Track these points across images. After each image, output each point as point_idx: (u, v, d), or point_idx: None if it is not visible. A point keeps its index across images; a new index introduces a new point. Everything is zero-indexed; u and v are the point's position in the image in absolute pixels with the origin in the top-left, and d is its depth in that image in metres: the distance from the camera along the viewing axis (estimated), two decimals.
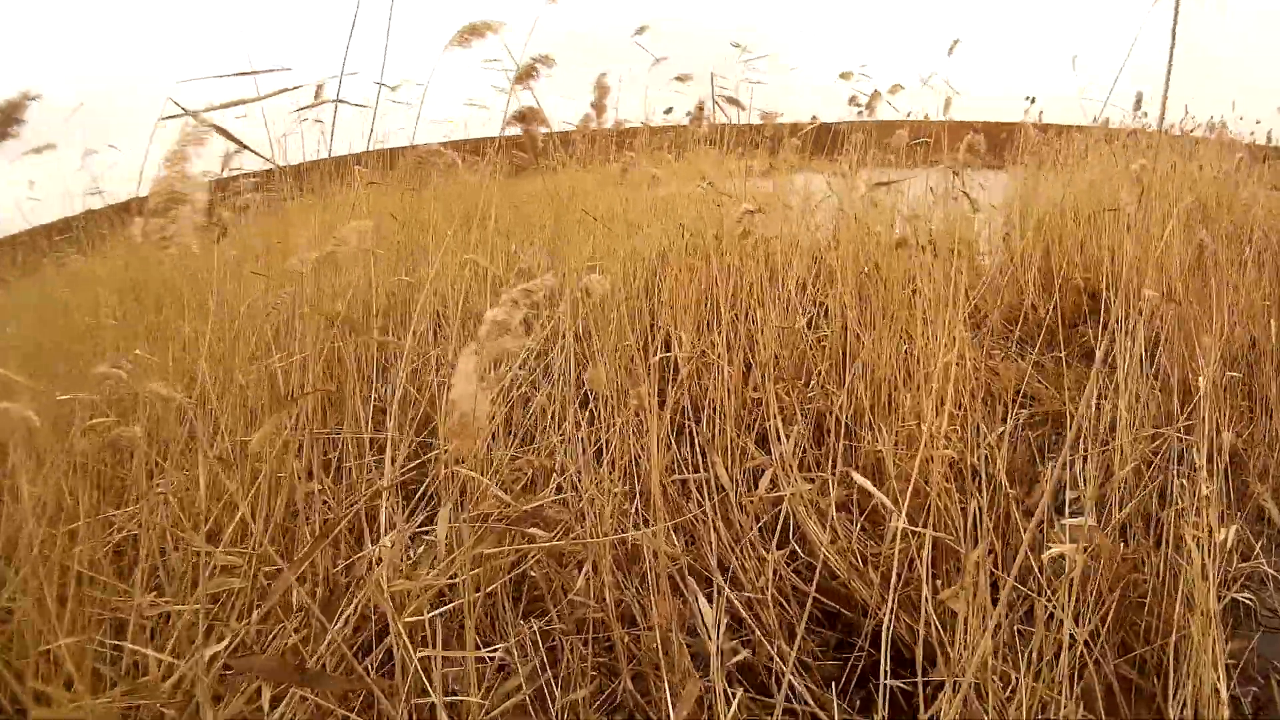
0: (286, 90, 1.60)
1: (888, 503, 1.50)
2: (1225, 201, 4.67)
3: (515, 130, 1.88)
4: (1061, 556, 1.73)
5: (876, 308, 2.50)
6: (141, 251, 2.94)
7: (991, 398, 2.52)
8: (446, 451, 1.41)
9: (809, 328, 2.69)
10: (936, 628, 1.49)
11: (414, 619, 1.47)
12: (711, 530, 1.65)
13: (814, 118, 4.13)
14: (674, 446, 2.01)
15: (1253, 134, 6.37)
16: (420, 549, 1.67)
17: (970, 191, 4.02)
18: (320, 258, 1.56)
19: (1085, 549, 1.53)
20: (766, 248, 2.92)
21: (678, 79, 2.59)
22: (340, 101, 2.24)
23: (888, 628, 1.44)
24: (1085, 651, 1.50)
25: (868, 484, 1.47)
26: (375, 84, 2.38)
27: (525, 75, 1.84)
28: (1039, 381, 2.99)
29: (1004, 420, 2.30)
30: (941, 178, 4.08)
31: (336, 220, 3.41)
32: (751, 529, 1.76)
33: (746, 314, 2.45)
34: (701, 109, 3.41)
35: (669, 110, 3.81)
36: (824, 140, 4.25)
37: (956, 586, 1.51)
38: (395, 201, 3.67)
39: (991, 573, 1.57)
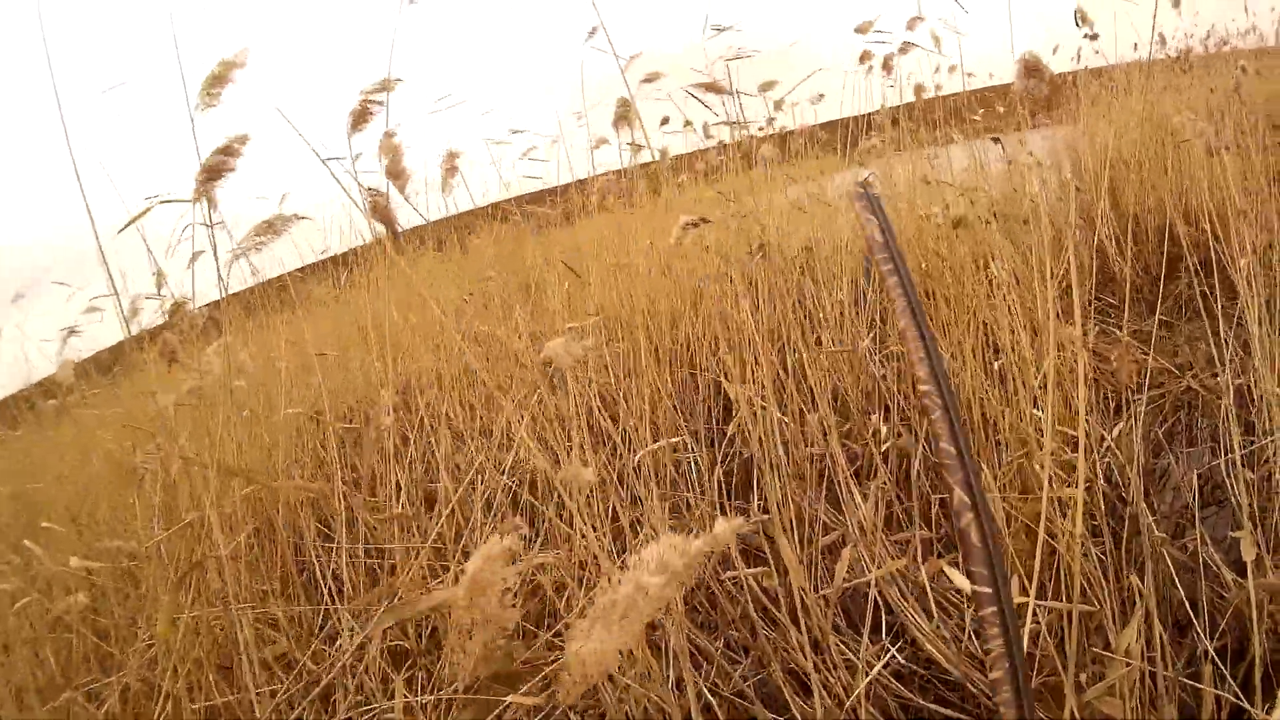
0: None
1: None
2: None
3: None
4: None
5: (949, 306, 2.11)
6: None
7: (1097, 385, 2.13)
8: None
9: (875, 343, 2.30)
10: None
11: None
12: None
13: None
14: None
15: None
16: None
17: (1016, 152, 3.67)
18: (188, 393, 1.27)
19: None
20: (807, 257, 2.57)
21: (646, 79, 2.20)
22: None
23: None
24: None
25: (965, 581, 1.10)
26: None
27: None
28: (1145, 353, 2.59)
29: (1120, 414, 1.93)
30: (981, 147, 3.73)
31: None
32: (830, 633, 1.38)
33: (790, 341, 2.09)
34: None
35: (665, 121, 3.45)
36: (849, 133, 3.89)
37: (1106, 683, 1.15)
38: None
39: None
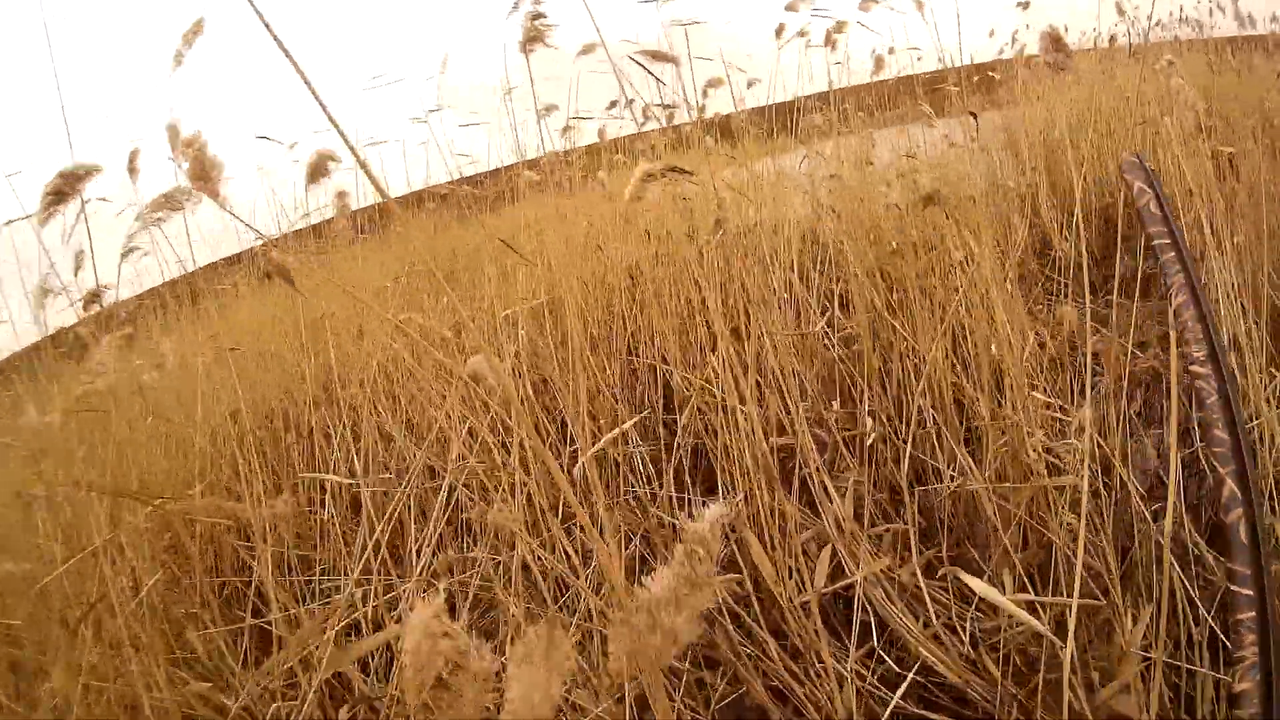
0: None
1: (1020, 612, 1.02)
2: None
3: None
4: None
5: (911, 288, 1.99)
6: None
7: (1061, 369, 2.04)
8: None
9: (830, 328, 2.17)
10: None
11: None
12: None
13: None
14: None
15: None
16: None
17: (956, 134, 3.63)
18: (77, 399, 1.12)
19: None
20: (749, 239, 2.45)
21: (583, 51, 2.03)
22: None
23: None
24: None
25: (992, 592, 0.98)
26: None
27: None
28: (1099, 331, 2.52)
29: (1083, 395, 1.84)
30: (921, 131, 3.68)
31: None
32: (817, 645, 1.25)
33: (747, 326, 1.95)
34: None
35: (612, 105, 3.28)
36: (790, 118, 3.80)
37: (1119, 683, 1.05)
38: None
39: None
